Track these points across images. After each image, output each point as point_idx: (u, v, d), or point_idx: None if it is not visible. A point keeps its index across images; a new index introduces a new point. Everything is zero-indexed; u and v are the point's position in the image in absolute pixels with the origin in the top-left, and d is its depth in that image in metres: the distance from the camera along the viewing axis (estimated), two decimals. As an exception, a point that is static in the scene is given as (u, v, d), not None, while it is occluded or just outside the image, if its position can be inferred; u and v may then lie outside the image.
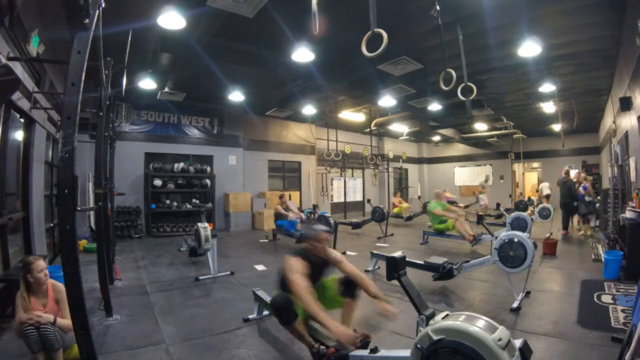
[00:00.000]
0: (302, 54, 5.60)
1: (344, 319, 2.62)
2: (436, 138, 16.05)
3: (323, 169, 13.85)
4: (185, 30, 4.78)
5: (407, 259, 2.46)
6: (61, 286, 2.46)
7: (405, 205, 12.26)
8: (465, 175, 18.51)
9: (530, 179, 18.41)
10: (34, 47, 3.95)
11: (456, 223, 6.70)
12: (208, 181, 9.99)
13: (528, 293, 3.94)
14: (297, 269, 2.37)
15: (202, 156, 10.44)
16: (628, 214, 4.90)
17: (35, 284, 2.41)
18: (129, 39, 4.65)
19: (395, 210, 11.82)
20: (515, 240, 3.63)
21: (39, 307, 2.40)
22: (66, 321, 2.38)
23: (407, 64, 6.32)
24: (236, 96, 8.53)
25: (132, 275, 5.11)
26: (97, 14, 2.16)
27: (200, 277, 4.89)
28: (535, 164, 17.12)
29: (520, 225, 6.42)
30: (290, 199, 8.98)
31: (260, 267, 5.59)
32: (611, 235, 5.78)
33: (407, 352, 1.84)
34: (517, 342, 1.66)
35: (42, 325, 2.28)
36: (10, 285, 3.18)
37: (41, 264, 2.43)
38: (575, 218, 8.92)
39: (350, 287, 2.57)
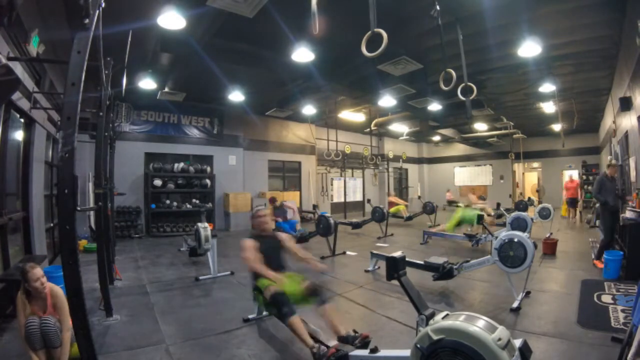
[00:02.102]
0: (302, 54, 5.60)
1: (330, 325, 2.65)
2: (436, 138, 16.04)
3: (323, 169, 13.85)
4: (185, 30, 4.77)
5: (407, 259, 2.46)
6: (60, 291, 2.47)
7: (402, 206, 11.83)
8: (465, 175, 18.52)
9: (530, 179, 18.42)
10: (34, 47, 3.95)
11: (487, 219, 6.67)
12: (208, 181, 9.99)
13: (528, 293, 3.94)
14: (246, 247, 3.02)
15: (202, 156, 10.44)
16: (628, 214, 4.90)
17: (34, 292, 2.40)
18: (129, 39, 4.65)
19: (392, 210, 11.52)
20: (515, 240, 3.63)
21: (39, 312, 2.41)
22: (65, 324, 2.39)
23: (407, 64, 6.31)
24: (236, 96, 8.53)
25: (132, 275, 5.11)
26: (97, 14, 2.16)
27: (200, 277, 4.89)
28: (535, 164, 17.12)
29: (520, 225, 6.42)
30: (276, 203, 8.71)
31: (260, 267, 5.59)
32: (611, 235, 5.76)
33: (407, 352, 1.84)
34: (517, 342, 1.66)
35: (43, 318, 2.31)
36: (10, 286, 3.18)
37: (37, 272, 2.39)
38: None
39: (314, 292, 2.76)
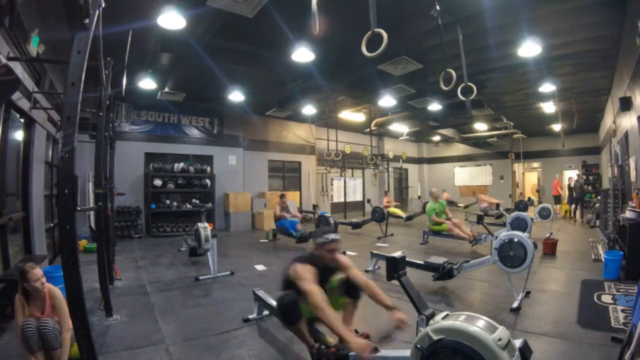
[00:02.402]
0: (302, 54, 5.60)
1: (345, 318, 2.60)
2: (436, 138, 16.04)
3: (323, 169, 13.84)
4: (185, 30, 4.77)
5: (407, 259, 2.46)
6: (58, 292, 2.46)
7: (394, 209, 11.32)
8: (465, 175, 18.51)
9: (530, 179, 18.42)
10: (34, 47, 3.95)
11: (452, 229, 6.67)
12: (208, 181, 9.99)
13: (528, 293, 3.94)
14: (309, 278, 2.32)
15: (202, 156, 10.44)
16: (628, 214, 4.90)
17: (33, 292, 2.39)
18: (129, 39, 4.65)
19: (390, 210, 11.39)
20: (515, 240, 3.63)
21: (37, 313, 2.39)
22: (64, 325, 2.38)
23: (407, 64, 6.31)
24: (236, 96, 8.53)
25: (132, 275, 5.11)
26: (97, 14, 2.16)
27: (200, 277, 4.89)
28: (535, 164, 17.11)
29: (520, 225, 6.41)
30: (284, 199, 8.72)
31: (260, 267, 5.59)
32: (611, 235, 5.78)
33: (407, 352, 1.84)
34: (517, 342, 1.66)
35: (41, 320, 2.28)
36: (10, 285, 3.18)
37: (37, 272, 2.38)
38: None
39: (353, 288, 2.54)
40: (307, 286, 2.27)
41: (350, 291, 2.55)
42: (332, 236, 2.51)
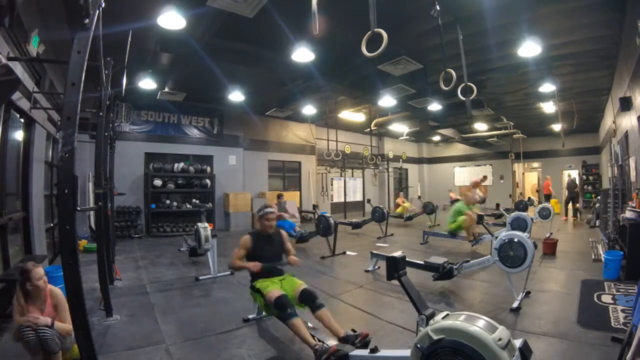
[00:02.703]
0: (302, 54, 5.60)
1: (329, 328, 2.63)
2: (436, 138, 16.05)
3: (323, 169, 13.84)
4: (185, 30, 4.77)
5: (407, 259, 2.46)
6: (59, 291, 2.45)
7: (407, 204, 12.38)
8: (465, 175, 18.51)
9: (530, 179, 18.43)
10: (34, 47, 3.95)
11: (471, 225, 6.65)
12: (208, 181, 9.99)
13: (528, 293, 3.93)
14: (240, 244, 3.13)
15: (202, 156, 10.44)
16: (628, 214, 4.90)
17: (34, 291, 2.37)
18: (129, 39, 4.65)
19: (398, 210, 11.88)
20: (515, 240, 3.63)
21: (37, 313, 2.37)
22: (65, 325, 2.36)
23: (407, 64, 6.31)
24: (236, 96, 8.53)
25: (132, 275, 5.11)
26: (97, 14, 2.16)
27: (200, 277, 4.89)
28: (535, 164, 17.12)
29: (520, 225, 6.41)
30: (281, 199, 8.76)
31: (260, 267, 5.59)
32: (611, 235, 5.78)
33: (407, 352, 1.84)
34: (517, 342, 1.66)
35: (39, 328, 2.26)
36: (10, 286, 3.18)
37: (40, 271, 2.38)
38: None
39: (307, 298, 2.78)
40: (234, 251, 3.14)
41: (306, 301, 2.79)
42: (267, 209, 3.25)
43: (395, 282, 2.31)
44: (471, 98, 5.51)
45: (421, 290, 2.55)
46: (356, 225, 8.85)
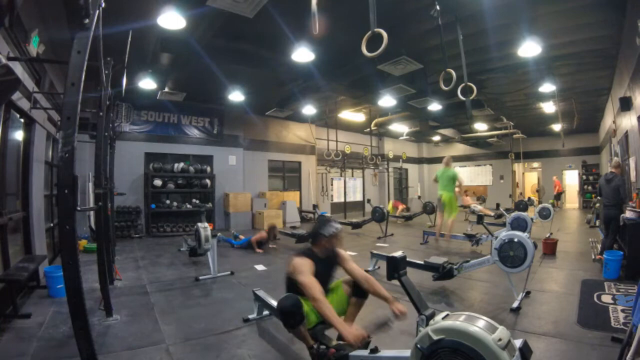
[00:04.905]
0: (302, 54, 5.60)
1: (348, 317, 2.60)
2: (436, 138, 16.05)
3: (323, 169, 13.85)
4: (185, 30, 4.78)
5: (407, 259, 2.46)
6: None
7: (401, 206, 12.92)
8: (465, 175, 18.52)
9: (530, 179, 18.43)
10: (34, 47, 3.95)
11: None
12: (208, 181, 9.99)
13: (528, 293, 3.93)
14: (305, 270, 2.35)
15: (202, 156, 10.44)
16: (628, 214, 4.90)
17: None
18: (129, 39, 4.65)
19: (392, 211, 12.15)
20: (515, 240, 3.62)
21: None
22: None
23: (407, 64, 6.31)
24: (236, 96, 8.53)
25: (132, 275, 5.11)
26: (97, 14, 2.16)
27: (200, 277, 4.89)
28: (535, 164, 17.13)
29: (520, 225, 6.42)
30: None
31: (260, 267, 5.60)
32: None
33: (407, 352, 1.84)
34: (517, 342, 1.66)
35: None
36: (10, 286, 3.18)
37: None
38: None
39: (360, 288, 2.55)
40: (303, 278, 2.31)
41: (357, 292, 2.57)
42: (337, 225, 2.57)
43: (396, 282, 2.31)
44: (471, 98, 5.51)
45: (421, 290, 2.55)
46: (356, 225, 8.86)
